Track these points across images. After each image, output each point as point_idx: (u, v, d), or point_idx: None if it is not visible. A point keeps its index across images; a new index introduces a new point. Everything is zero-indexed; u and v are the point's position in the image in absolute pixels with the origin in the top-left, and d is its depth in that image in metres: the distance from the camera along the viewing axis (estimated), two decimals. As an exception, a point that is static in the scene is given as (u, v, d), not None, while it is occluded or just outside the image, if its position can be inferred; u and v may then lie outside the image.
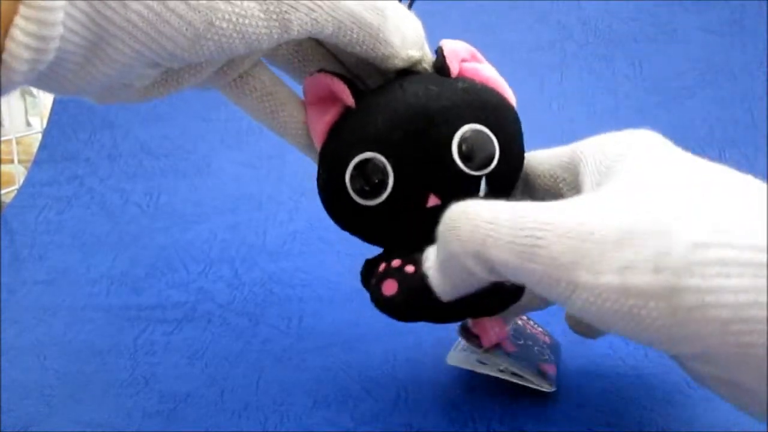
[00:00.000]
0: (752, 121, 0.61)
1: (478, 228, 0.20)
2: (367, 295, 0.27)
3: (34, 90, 0.98)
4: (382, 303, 0.26)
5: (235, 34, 0.22)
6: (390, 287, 0.25)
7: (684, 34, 0.65)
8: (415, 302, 0.25)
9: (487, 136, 0.25)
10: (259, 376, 0.36)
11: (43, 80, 0.22)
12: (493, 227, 0.20)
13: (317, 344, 0.39)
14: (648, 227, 0.17)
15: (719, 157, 0.59)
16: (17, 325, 0.43)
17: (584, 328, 0.32)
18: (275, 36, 0.23)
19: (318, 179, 0.28)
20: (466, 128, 0.25)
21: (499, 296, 0.25)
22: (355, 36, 0.24)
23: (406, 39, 0.26)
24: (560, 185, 0.26)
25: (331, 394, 0.34)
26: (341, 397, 0.33)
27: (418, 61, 0.27)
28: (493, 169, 0.25)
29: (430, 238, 0.26)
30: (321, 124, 0.28)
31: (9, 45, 0.18)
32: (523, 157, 0.28)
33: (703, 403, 0.32)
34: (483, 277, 0.21)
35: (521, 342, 0.33)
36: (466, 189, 0.25)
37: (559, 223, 0.19)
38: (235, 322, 0.43)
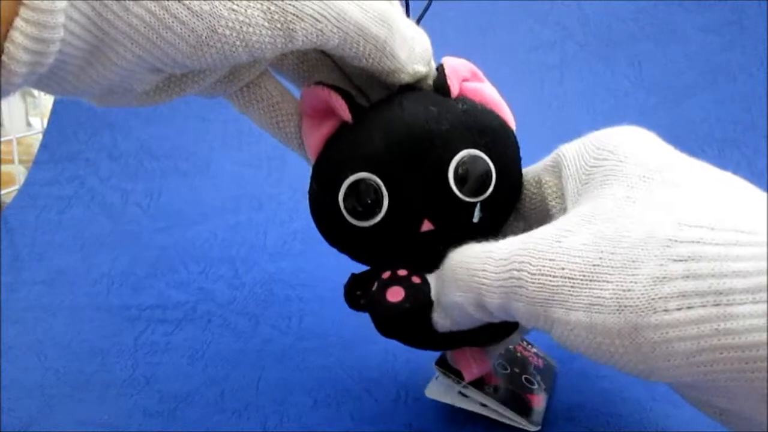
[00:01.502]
0: (752, 121, 0.61)
1: (474, 278, 0.21)
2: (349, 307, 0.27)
3: (35, 90, 0.98)
4: (385, 308, 0.25)
5: (238, 42, 0.22)
6: (396, 294, 0.25)
7: (684, 35, 0.65)
8: (418, 312, 0.25)
9: (485, 161, 0.25)
10: (260, 376, 0.36)
11: (43, 82, 0.22)
12: (485, 274, 0.21)
13: (317, 344, 0.39)
14: (613, 261, 0.18)
15: (719, 156, 0.59)
16: (17, 324, 0.43)
17: None
18: (279, 45, 0.23)
19: (309, 192, 0.28)
20: (464, 153, 0.24)
21: (492, 330, 0.25)
22: (361, 49, 0.24)
23: (413, 54, 0.26)
24: (545, 191, 0.26)
25: (331, 394, 0.34)
26: (341, 397, 0.34)
27: (424, 77, 0.27)
28: (489, 195, 0.25)
29: (420, 262, 0.26)
30: (316, 137, 0.27)
31: (8, 47, 0.18)
32: (520, 183, 0.27)
33: (702, 402, 0.32)
34: (485, 319, 0.22)
35: (507, 371, 0.32)
36: (461, 215, 0.25)
37: (533, 261, 0.19)
38: (235, 322, 0.43)
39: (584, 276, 0.18)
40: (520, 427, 0.30)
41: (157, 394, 0.34)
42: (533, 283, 0.19)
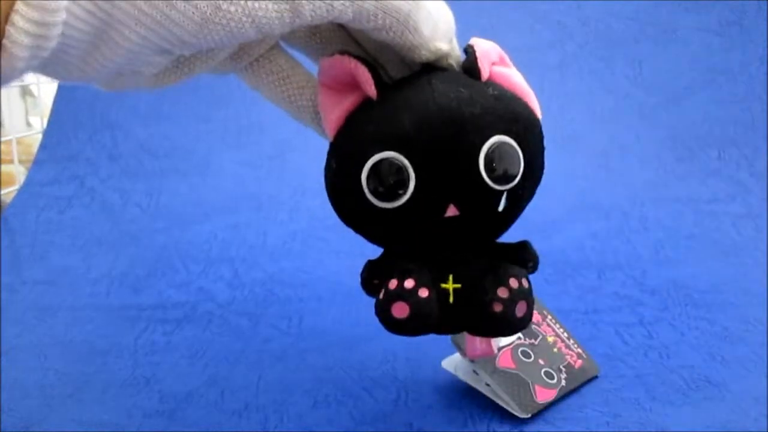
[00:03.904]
0: (752, 121, 0.61)
1: None
2: (367, 295, 0.27)
3: (35, 90, 0.98)
4: (391, 324, 0.25)
5: (244, 18, 0.21)
6: (401, 310, 0.24)
7: (684, 35, 0.65)
8: (423, 326, 0.25)
9: (514, 149, 0.24)
10: (260, 375, 0.36)
11: (48, 67, 0.21)
12: None
13: (317, 344, 0.39)
14: None
15: (719, 156, 0.59)
16: (18, 325, 0.43)
17: None
18: (287, 21, 0.22)
19: (326, 170, 0.26)
20: (496, 139, 0.24)
21: (500, 322, 0.25)
22: (380, 22, 0.23)
23: (437, 30, 0.25)
24: None
25: (332, 394, 0.34)
26: (341, 397, 0.34)
27: (445, 56, 0.26)
28: (516, 185, 0.24)
29: (440, 249, 0.25)
30: (337, 111, 0.26)
31: (9, 31, 0.18)
32: (542, 175, 0.26)
33: (702, 402, 0.32)
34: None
35: (530, 360, 0.33)
36: (487, 203, 0.24)
37: None
38: (235, 321, 0.43)
39: None
40: (511, 411, 0.31)
41: (157, 394, 0.34)
42: None
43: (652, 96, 0.63)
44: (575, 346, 0.35)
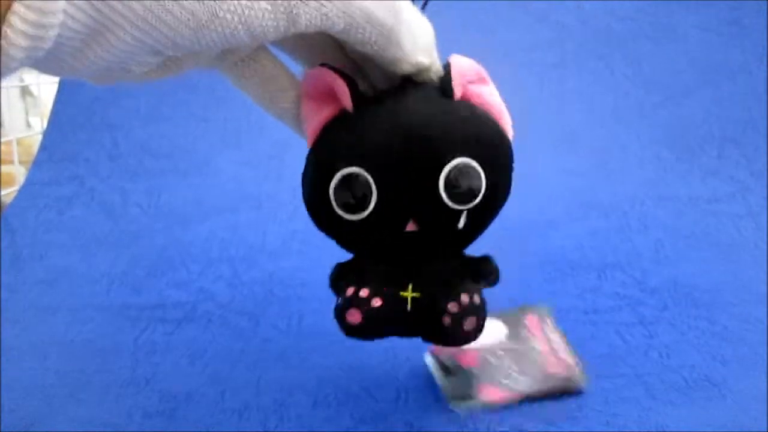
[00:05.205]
0: (751, 120, 0.61)
1: None
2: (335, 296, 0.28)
3: (35, 90, 0.98)
4: (345, 329, 0.27)
5: (240, 26, 0.21)
6: (354, 316, 0.26)
7: (683, 34, 0.65)
8: (376, 332, 0.27)
9: (476, 171, 0.25)
10: (260, 375, 0.36)
11: (41, 63, 0.21)
12: None
13: (317, 344, 0.39)
14: None
15: (719, 156, 0.59)
16: (18, 324, 0.43)
17: None
18: (282, 29, 0.22)
19: (303, 176, 0.28)
20: (458, 161, 0.25)
21: (459, 331, 0.26)
22: (366, 35, 0.24)
23: (417, 44, 0.26)
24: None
25: (332, 394, 0.34)
26: (341, 397, 0.34)
27: (426, 69, 0.27)
28: (476, 205, 0.25)
29: (402, 260, 0.27)
30: (316, 121, 0.27)
31: (6, 32, 0.18)
32: (508, 194, 0.27)
33: (703, 402, 0.32)
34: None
35: (493, 361, 0.34)
36: (446, 220, 0.25)
37: None
38: (235, 321, 0.43)
39: None
40: (450, 405, 0.32)
41: (157, 393, 0.35)
42: None
43: (651, 95, 0.63)
44: (567, 355, 0.35)
